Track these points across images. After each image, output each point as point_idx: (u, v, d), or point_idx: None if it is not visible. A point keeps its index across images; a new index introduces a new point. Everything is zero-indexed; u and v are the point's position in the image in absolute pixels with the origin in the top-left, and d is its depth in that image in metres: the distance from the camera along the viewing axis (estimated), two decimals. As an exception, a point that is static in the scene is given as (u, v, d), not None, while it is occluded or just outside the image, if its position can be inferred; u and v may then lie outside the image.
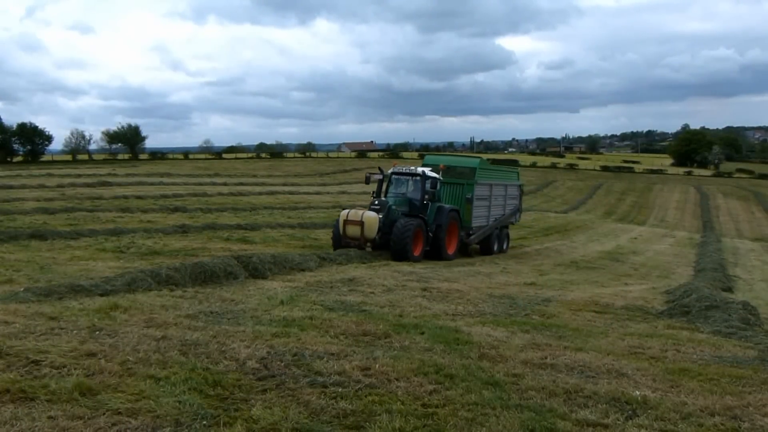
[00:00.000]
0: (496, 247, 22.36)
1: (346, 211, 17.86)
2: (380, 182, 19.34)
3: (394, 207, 17.94)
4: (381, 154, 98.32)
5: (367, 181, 19.38)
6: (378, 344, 6.86)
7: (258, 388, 5.14)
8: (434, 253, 18.30)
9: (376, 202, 18.10)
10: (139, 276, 10.14)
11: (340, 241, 17.35)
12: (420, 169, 19.08)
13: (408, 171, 19.21)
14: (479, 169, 21.11)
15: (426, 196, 18.43)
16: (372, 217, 17.11)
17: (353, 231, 17.13)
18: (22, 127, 64.69)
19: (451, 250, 19.04)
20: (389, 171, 19.55)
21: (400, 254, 16.73)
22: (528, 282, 14.56)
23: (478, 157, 22.06)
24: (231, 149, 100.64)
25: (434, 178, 18.96)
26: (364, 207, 18.81)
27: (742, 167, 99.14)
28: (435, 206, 18.61)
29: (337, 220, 17.75)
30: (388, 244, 17.04)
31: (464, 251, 20.53)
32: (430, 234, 18.12)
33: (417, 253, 17.42)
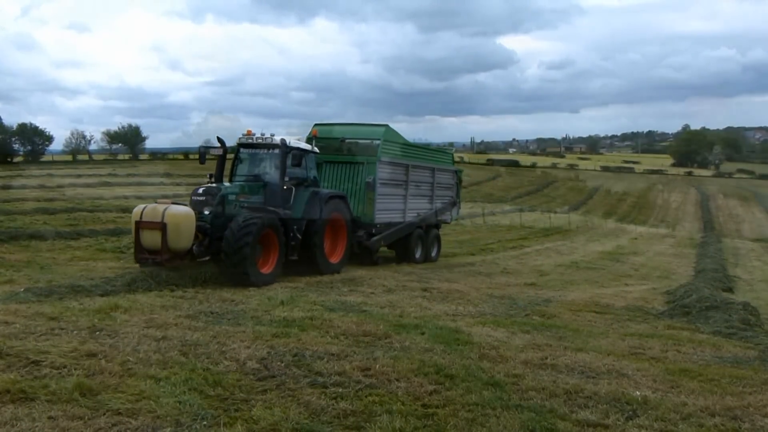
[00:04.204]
0: (419, 254, 16.48)
1: (142, 206, 10.90)
2: (221, 159, 12.98)
3: (233, 196, 11.67)
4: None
5: (202, 159, 13.28)
6: (378, 344, 6.86)
7: (258, 389, 5.14)
8: (308, 261, 12.48)
9: (200, 191, 11.63)
10: (140, 276, 10.14)
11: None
12: (278, 138, 12.47)
13: (261, 141, 12.65)
14: (384, 142, 14.87)
15: (287, 179, 12.30)
16: (181, 215, 10.47)
17: (151, 239, 10.48)
18: (23, 127, 64.62)
19: (335, 258, 13.13)
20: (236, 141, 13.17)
21: (236, 270, 10.56)
22: (528, 282, 14.56)
23: (385, 125, 15.47)
24: (231, 149, 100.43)
25: (301, 149, 12.76)
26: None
27: (743, 167, 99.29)
28: (306, 193, 12.60)
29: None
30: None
31: (367, 258, 14.73)
32: (298, 235, 12.15)
33: (266, 268, 11.17)
